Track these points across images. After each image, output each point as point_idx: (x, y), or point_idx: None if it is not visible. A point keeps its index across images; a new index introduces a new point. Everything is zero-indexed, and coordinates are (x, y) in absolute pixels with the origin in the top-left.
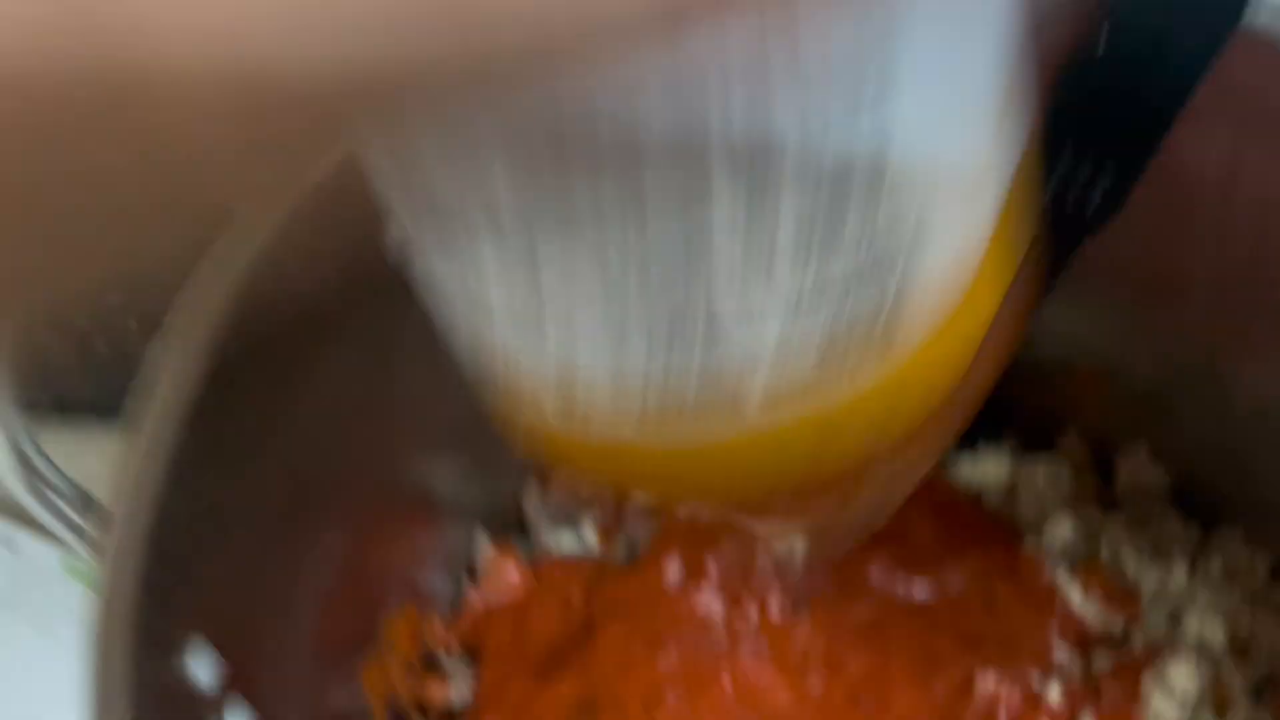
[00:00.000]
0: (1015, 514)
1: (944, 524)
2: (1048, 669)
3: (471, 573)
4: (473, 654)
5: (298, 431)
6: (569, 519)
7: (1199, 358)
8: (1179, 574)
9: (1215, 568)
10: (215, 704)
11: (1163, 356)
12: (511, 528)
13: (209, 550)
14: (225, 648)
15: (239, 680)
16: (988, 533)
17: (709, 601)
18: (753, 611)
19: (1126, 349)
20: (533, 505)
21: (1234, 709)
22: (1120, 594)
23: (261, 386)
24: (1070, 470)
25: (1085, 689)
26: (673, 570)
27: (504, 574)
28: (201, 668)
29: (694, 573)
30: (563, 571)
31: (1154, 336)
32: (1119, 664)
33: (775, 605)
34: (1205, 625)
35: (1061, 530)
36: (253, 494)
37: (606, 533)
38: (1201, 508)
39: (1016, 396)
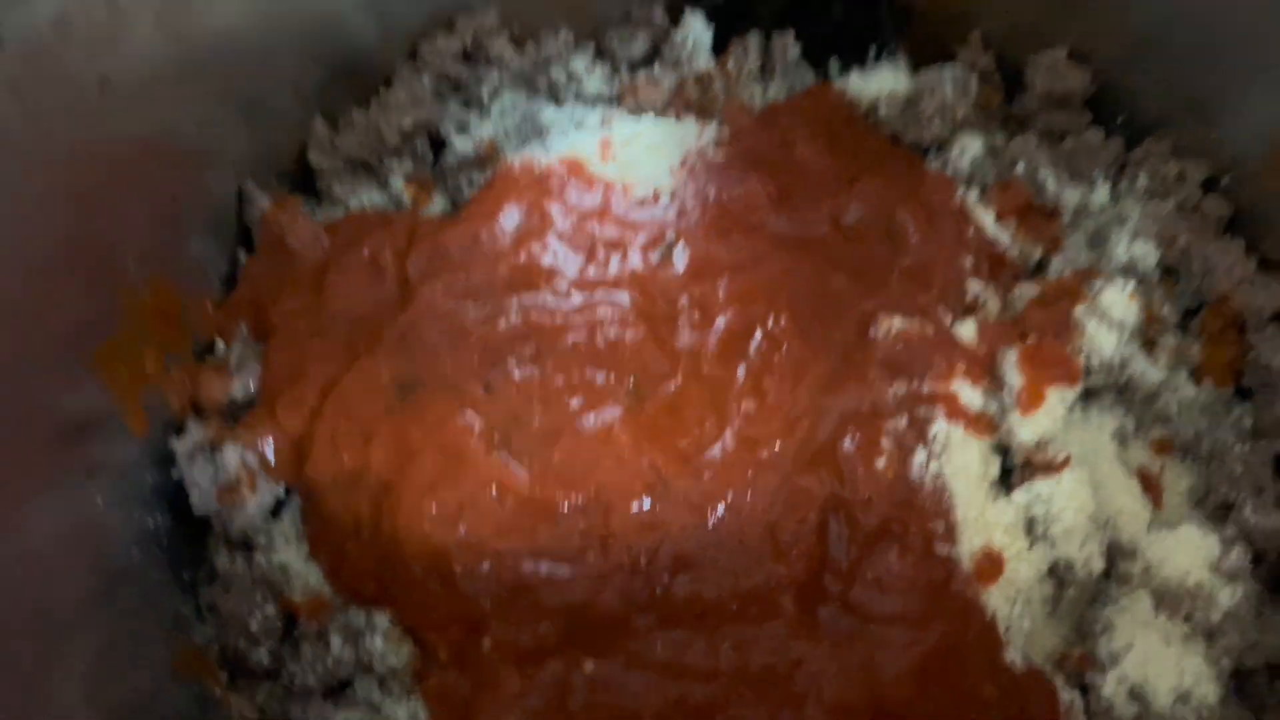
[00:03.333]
0: (916, 134)
1: (835, 146)
2: (960, 305)
3: (246, 238)
4: (260, 339)
5: None
6: (370, 170)
7: None
8: (1101, 190)
9: (1140, 183)
10: None
11: None
12: (293, 186)
13: None
14: None
15: None
16: (886, 154)
17: (555, 251)
18: (609, 260)
19: None
20: (319, 154)
21: (1163, 337)
22: (1038, 217)
23: None
24: (976, 78)
25: (1004, 325)
26: (509, 219)
27: (288, 232)
28: None
29: (535, 223)
30: (362, 227)
31: None
32: (1044, 295)
33: (637, 253)
34: (1135, 246)
35: (971, 146)
36: None
37: (421, 185)
38: (1121, 125)
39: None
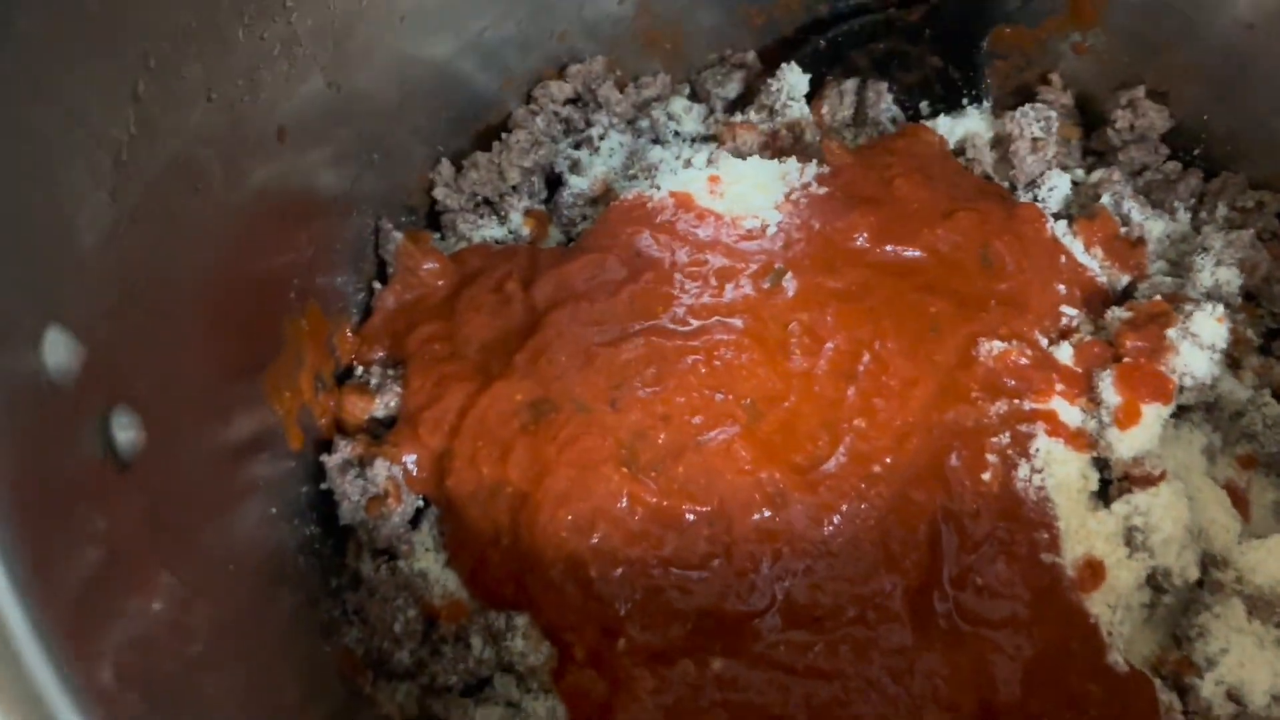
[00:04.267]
0: (1004, 173)
1: (931, 182)
2: (1055, 329)
3: (383, 272)
4: (397, 363)
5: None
6: (491, 205)
7: None
8: (1183, 220)
9: (1220, 213)
10: (86, 404)
11: None
12: (421, 222)
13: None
14: (96, 345)
15: (119, 385)
16: (979, 190)
17: (672, 280)
18: (723, 288)
19: None
20: (446, 192)
21: (1247, 357)
22: (1124, 246)
23: None
24: (1060, 115)
25: (1100, 346)
26: (626, 250)
27: (418, 265)
28: (59, 356)
29: (651, 253)
30: (487, 259)
31: None
32: (1135, 319)
33: (748, 281)
34: (1218, 273)
35: (1061, 184)
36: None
37: (538, 219)
38: (1198, 158)
39: (993, 50)
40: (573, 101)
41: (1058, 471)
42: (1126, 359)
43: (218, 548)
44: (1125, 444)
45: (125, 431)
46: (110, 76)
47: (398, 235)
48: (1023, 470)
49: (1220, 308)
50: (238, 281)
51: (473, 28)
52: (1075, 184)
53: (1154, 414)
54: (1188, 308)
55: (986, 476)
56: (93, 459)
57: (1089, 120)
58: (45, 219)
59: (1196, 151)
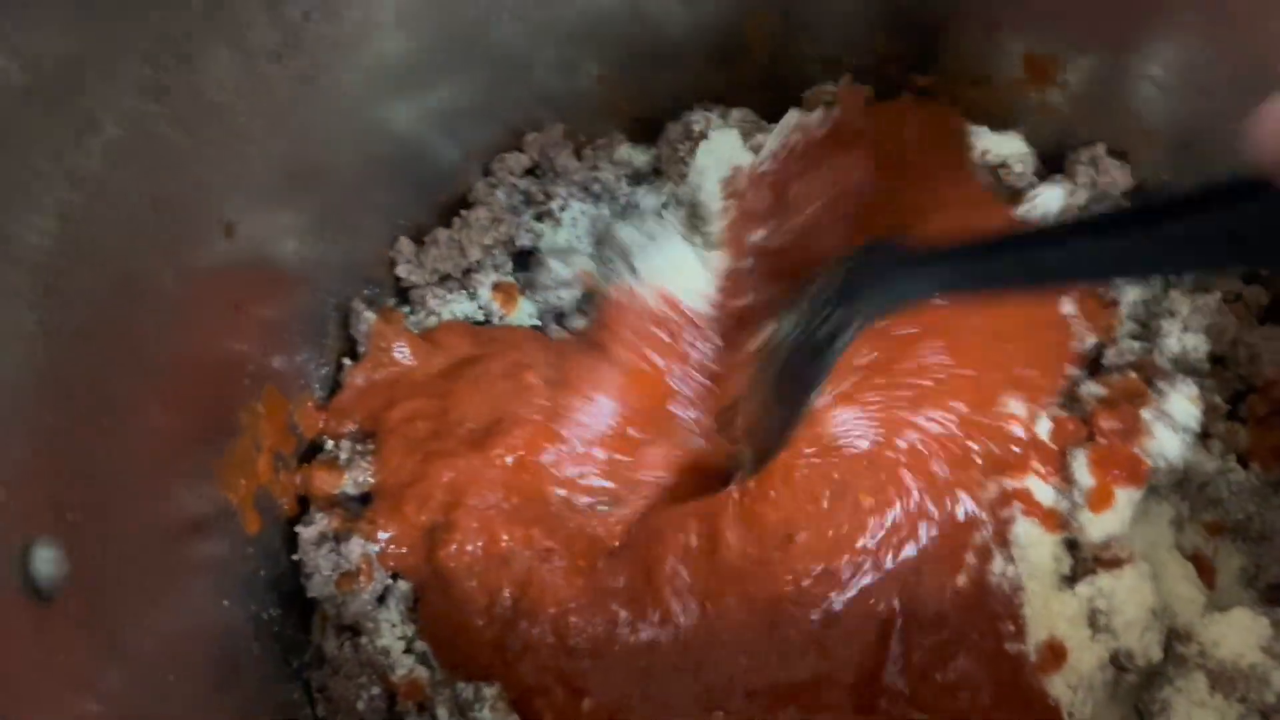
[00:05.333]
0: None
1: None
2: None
3: (351, 349)
4: (367, 437)
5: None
6: (456, 280)
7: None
8: (1155, 281)
9: (1186, 275)
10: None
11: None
12: (386, 293)
13: None
14: (14, 482)
15: (38, 518)
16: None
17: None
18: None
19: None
20: (409, 269)
21: (1215, 424)
22: (1098, 306)
23: None
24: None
25: (1075, 423)
26: (627, 352)
27: (391, 345)
28: None
29: (652, 357)
30: (476, 341)
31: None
32: (1110, 397)
33: None
34: (1185, 339)
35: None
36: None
37: (507, 292)
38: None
39: None
40: (530, 172)
41: (1031, 556)
42: (1101, 440)
43: (164, 646)
44: (1097, 527)
45: (46, 565)
46: (34, 195)
47: (370, 316)
48: (997, 564)
49: (1194, 389)
50: (185, 382)
51: (431, 99)
52: None
53: (1126, 498)
54: (1161, 385)
55: (961, 580)
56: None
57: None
58: None
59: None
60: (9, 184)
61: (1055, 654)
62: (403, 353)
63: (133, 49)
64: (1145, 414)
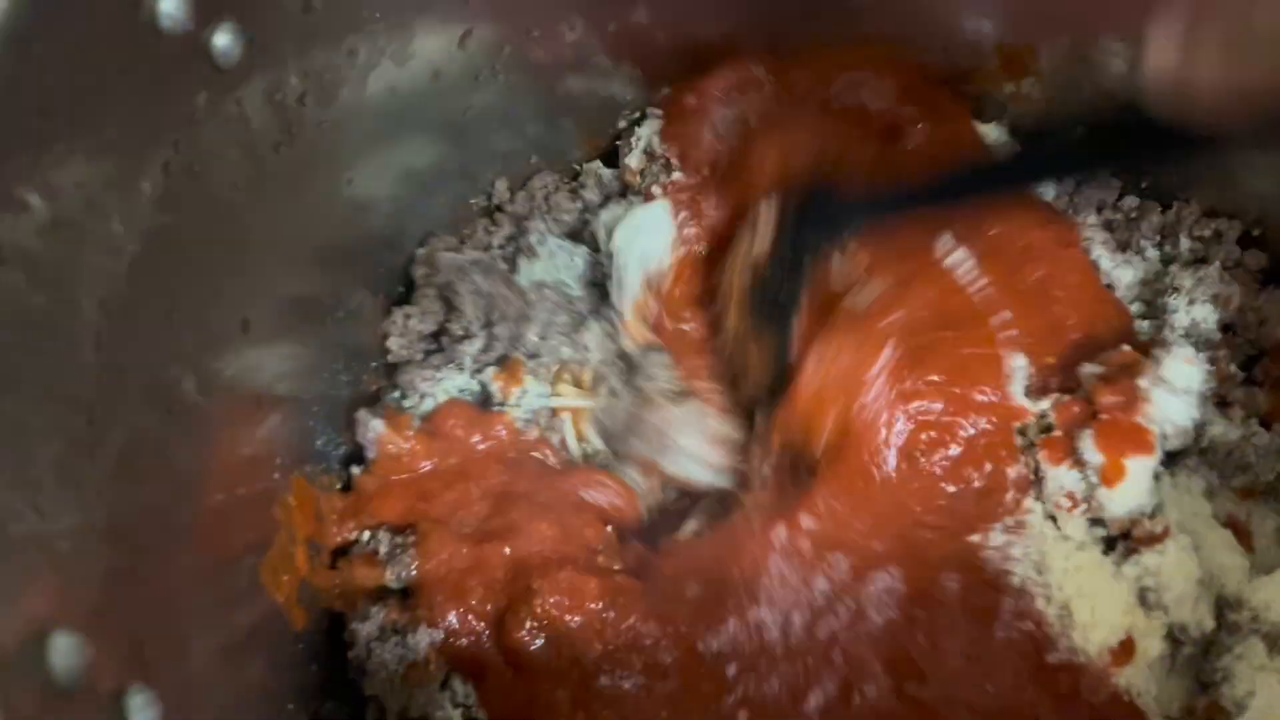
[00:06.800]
0: None
1: None
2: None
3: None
4: (404, 529)
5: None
6: (442, 351)
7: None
8: (1153, 260)
9: (1184, 247)
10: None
11: None
12: (383, 372)
13: None
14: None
15: (126, 665)
16: None
17: None
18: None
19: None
20: (400, 342)
21: (1233, 391)
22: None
23: None
24: None
25: (1079, 406)
26: None
27: (400, 449)
28: (68, 659)
29: None
30: (474, 423)
31: None
32: (1107, 372)
33: None
34: (1194, 311)
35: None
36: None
37: (511, 372)
38: (1146, 190)
39: None
40: (513, 239)
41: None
42: (1104, 415)
43: None
44: (1117, 501)
45: (142, 712)
46: (70, 328)
47: (378, 425)
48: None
49: (1188, 349)
50: (223, 488)
51: (415, 168)
52: None
53: (1140, 467)
54: (1157, 353)
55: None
56: None
57: None
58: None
59: (1144, 185)
60: (48, 324)
61: (1126, 650)
62: (412, 455)
63: (151, 163)
64: (1142, 382)
